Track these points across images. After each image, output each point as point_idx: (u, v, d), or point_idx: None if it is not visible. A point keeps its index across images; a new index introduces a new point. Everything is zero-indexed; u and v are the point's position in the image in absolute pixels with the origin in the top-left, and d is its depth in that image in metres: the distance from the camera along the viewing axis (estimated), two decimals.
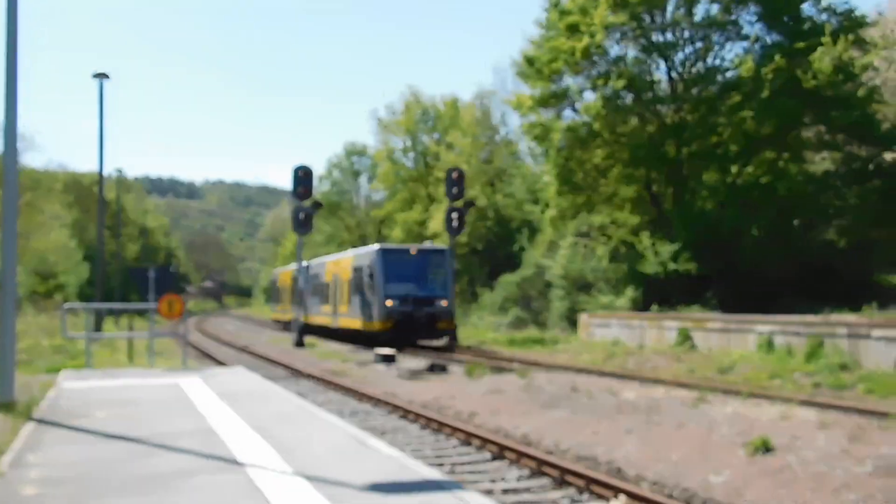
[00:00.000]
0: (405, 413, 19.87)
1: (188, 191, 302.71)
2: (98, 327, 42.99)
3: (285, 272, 66.55)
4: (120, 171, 79.71)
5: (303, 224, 41.07)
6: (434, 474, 10.21)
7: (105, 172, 49.54)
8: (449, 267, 41.06)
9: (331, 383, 26.00)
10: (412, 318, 38.21)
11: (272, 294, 73.48)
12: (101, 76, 41.41)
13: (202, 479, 9.59)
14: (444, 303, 39.27)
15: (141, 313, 35.60)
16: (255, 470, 10.01)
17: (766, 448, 12.70)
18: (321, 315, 51.25)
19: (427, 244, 46.40)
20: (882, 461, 11.25)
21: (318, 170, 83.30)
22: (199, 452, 11.14)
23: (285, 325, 59.31)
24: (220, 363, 33.51)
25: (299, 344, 40.62)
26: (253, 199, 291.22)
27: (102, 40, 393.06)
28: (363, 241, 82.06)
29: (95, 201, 56.07)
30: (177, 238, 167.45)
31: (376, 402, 21.93)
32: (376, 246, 42.47)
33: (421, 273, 40.36)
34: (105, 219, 54.21)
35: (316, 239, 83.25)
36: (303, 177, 40.73)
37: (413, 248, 42.67)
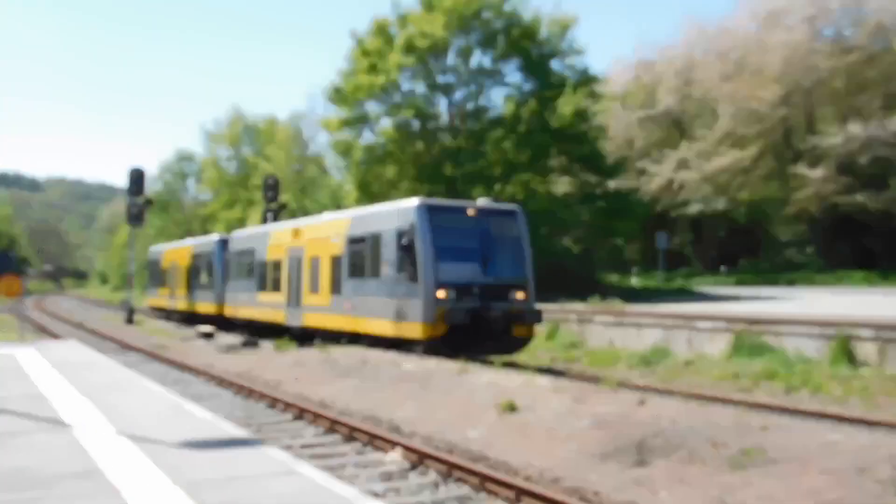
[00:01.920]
0: (220, 381, 19.36)
1: (31, 185, 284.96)
2: None
3: (176, 249, 45.38)
4: None
5: (136, 218, 39.70)
6: (241, 433, 9.97)
7: None
8: (524, 237, 22.16)
9: (156, 356, 25.01)
10: (481, 319, 20.00)
11: (152, 276, 52.37)
12: None
13: (29, 439, 8.99)
14: (521, 295, 21.08)
15: None
16: (80, 430, 9.48)
17: (512, 408, 13.04)
18: (259, 306, 31.05)
19: (483, 201, 23.99)
20: (597, 417, 11.76)
21: (152, 171, 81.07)
22: (27, 415, 10.44)
23: (168, 314, 44.70)
24: (56, 337, 31.65)
25: (129, 321, 38.80)
26: (92, 194, 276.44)
27: None
28: (189, 234, 79.55)
29: None
30: (19, 227, 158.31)
31: (196, 372, 21.26)
32: (413, 201, 21.23)
33: (487, 247, 21.22)
34: None
35: (148, 232, 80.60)
36: (136, 177, 39.61)
37: (471, 207, 22.19)
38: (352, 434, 13.10)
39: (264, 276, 30.74)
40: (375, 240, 22.00)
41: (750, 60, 34.13)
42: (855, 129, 30.76)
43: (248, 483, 7.26)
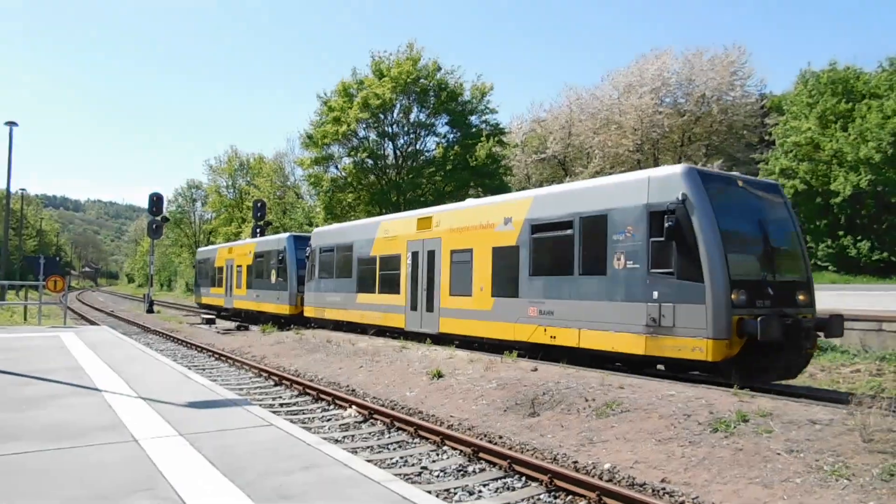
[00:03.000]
0: (219, 356, 18.90)
1: (74, 205, 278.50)
2: (2, 297, 38.54)
3: (233, 248, 34.02)
4: (23, 189, 75.25)
5: (155, 231, 38.33)
6: (232, 395, 9.72)
7: (12, 190, 43.88)
8: (795, 219, 12.66)
9: (169, 337, 24.25)
10: (792, 330, 10.68)
11: (201, 276, 40.06)
12: (12, 123, 36.62)
13: (68, 400, 8.65)
14: (805, 297, 11.79)
15: (34, 288, 31.96)
16: (109, 394, 9.14)
17: (439, 375, 13.03)
18: (361, 308, 21.27)
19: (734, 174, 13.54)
20: (501, 381, 11.82)
21: (169, 195, 79.31)
22: (68, 382, 10.02)
23: (221, 314, 33.70)
24: (92, 323, 30.50)
25: (150, 311, 37.54)
26: (121, 213, 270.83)
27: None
28: (197, 245, 77.78)
29: (3, 210, 49.91)
30: (65, 238, 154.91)
31: (200, 349, 20.72)
32: (675, 167, 11.75)
33: (767, 231, 11.85)
34: (10, 223, 48.43)
35: (164, 242, 78.74)
36: (156, 200, 38.24)
37: (738, 178, 12.37)
38: (319, 396, 12.93)
39: (368, 274, 20.78)
40: (594, 223, 12.67)
41: (613, 119, 34.83)
42: None
43: (236, 433, 7.09)
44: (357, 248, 21.72)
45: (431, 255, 17.92)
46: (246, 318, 30.42)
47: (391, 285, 19.66)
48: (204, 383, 10.53)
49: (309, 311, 24.62)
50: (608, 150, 34.95)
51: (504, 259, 15.04)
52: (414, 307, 18.62)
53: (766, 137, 37.51)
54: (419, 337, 18.04)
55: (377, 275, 20.34)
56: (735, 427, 7.91)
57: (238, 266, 31.81)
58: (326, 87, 63.92)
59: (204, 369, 16.65)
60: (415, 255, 18.69)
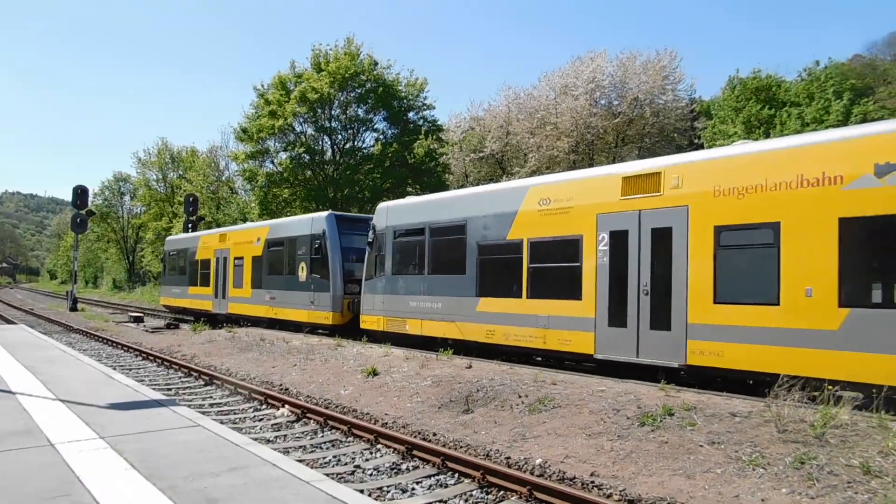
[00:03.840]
0: (146, 356, 18.30)
1: None
2: None
3: (226, 235, 27.15)
4: None
5: (79, 226, 36.72)
6: (158, 396, 9.42)
7: None
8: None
9: (93, 336, 23.29)
10: None
11: (174, 271, 32.52)
12: None
13: None
14: None
15: None
16: (24, 397, 8.72)
17: (374, 373, 12.96)
18: (490, 319, 14.32)
19: None
20: (436, 378, 11.86)
21: (94, 187, 75.72)
22: None
23: (209, 319, 26.92)
24: (9, 321, 29.02)
25: (73, 308, 35.96)
26: (43, 206, 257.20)
27: None
28: (125, 241, 74.90)
29: None
30: None
31: (126, 348, 20.00)
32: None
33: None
34: None
35: (90, 237, 75.46)
36: (80, 193, 36.59)
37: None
38: (251, 395, 12.68)
39: (502, 269, 14.04)
40: None
41: (549, 119, 35.37)
42: None
43: (160, 435, 6.86)
44: (479, 229, 14.83)
45: (667, 237, 11.08)
46: (270, 326, 23.09)
47: (560, 286, 12.89)
48: (129, 384, 10.17)
49: (373, 322, 17.91)
50: (543, 151, 35.45)
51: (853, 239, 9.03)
52: (618, 321, 11.76)
53: (696, 140, 38.80)
54: (612, 368, 12.00)
55: (525, 270, 13.60)
56: (661, 421, 8.16)
57: (237, 258, 25.39)
58: (264, 80, 62.49)
59: (130, 369, 16.09)
60: (618, 238, 11.88)
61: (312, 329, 21.25)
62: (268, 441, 9.50)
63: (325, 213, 20.88)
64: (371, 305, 18.20)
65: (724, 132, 35.37)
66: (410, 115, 38.48)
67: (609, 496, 6.79)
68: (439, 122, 39.52)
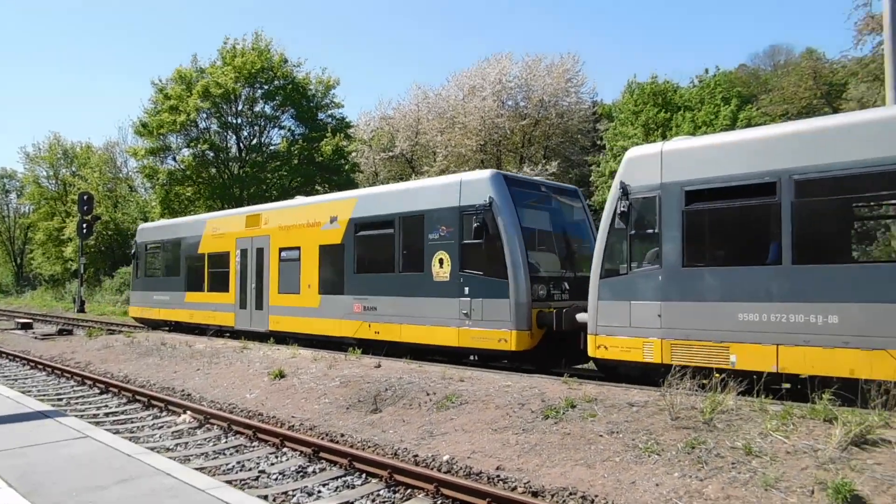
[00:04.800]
0: (35, 365, 17.11)
1: None
2: None
3: (277, 213, 18.33)
4: None
5: None
6: (45, 407, 8.82)
7: None
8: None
9: None
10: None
11: (166, 271, 23.32)
12: None
13: None
14: None
15: None
16: None
17: (281, 375, 12.65)
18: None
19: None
20: (344, 378, 11.70)
21: None
22: None
23: (214, 332, 20.49)
24: None
25: None
26: None
27: None
28: (12, 242, 69.92)
29: None
30: None
31: (11, 357, 18.62)
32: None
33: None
34: None
35: None
36: None
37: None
38: (150, 402, 12.11)
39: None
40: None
41: (458, 119, 35.69)
42: (526, 170, 33.18)
43: (44, 448, 6.41)
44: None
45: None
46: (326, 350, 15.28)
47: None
48: (10, 395, 9.47)
49: (629, 348, 10.35)
50: (452, 150, 35.74)
51: None
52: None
53: (599, 142, 40.19)
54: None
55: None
56: (564, 413, 8.36)
57: (286, 250, 17.56)
58: (162, 74, 59.55)
59: (16, 380, 15.01)
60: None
61: (453, 355, 13.42)
62: (167, 449, 9.07)
63: (486, 173, 12.99)
64: (621, 319, 10.39)
65: (625, 134, 36.78)
66: (320, 114, 37.89)
67: (514, 489, 6.89)
68: (348, 120, 39.14)
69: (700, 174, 9.74)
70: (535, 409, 8.66)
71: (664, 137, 34.89)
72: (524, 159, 35.68)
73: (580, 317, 11.49)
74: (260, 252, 18.52)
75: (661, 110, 35.91)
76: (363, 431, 9.36)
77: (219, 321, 20.02)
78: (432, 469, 7.59)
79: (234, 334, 19.31)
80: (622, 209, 10.35)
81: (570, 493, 6.57)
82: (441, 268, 13.37)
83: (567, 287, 12.88)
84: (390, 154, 39.88)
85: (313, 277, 16.58)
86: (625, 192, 10.42)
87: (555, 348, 12.21)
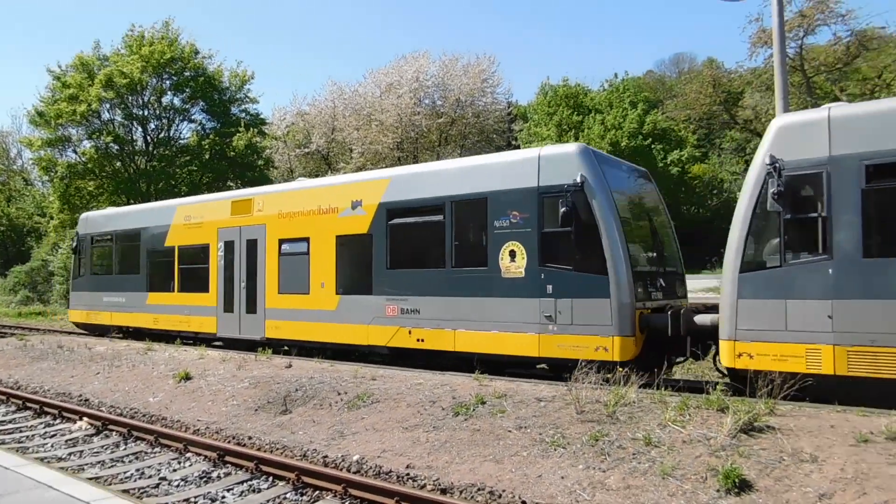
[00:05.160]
0: None
1: None
2: None
3: (278, 198, 15.08)
4: None
5: None
6: None
7: None
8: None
9: None
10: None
11: (120, 265, 19.41)
12: None
13: None
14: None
15: None
16: None
17: (187, 377, 12.17)
18: None
19: None
20: (254, 379, 11.37)
21: None
22: None
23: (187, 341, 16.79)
24: None
25: None
26: None
27: None
28: None
29: None
30: None
31: None
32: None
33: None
34: None
35: None
36: None
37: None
38: (43, 409, 11.38)
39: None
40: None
41: (375, 116, 35.44)
42: None
43: None
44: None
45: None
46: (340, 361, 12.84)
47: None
48: None
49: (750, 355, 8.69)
50: (368, 147, 35.46)
51: None
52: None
53: (514, 142, 40.85)
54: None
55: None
56: (474, 410, 8.41)
57: (289, 242, 14.62)
58: (62, 60, 55.92)
59: None
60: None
61: (527, 366, 11.39)
62: (58, 459, 8.54)
63: (573, 147, 10.88)
64: (773, 321, 8.48)
65: (539, 134, 37.55)
66: (233, 108, 36.73)
67: (423, 487, 6.86)
68: (262, 116, 38.16)
69: (886, 145, 7.89)
70: (446, 406, 8.67)
71: (577, 138, 35.84)
72: (442, 157, 35.83)
73: (700, 319, 9.71)
74: (252, 245, 15.32)
75: (574, 112, 36.89)
76: (272, 433, 9.11)
77: (195, 327, 16.57)
78: (341, 469, 7.47)
79: (224, 344, 15.81)
80: (775, 189, 8.32)
81: (479, 489, 6.60)
82: (513, 261, 10.91)
83: (662, 284, 11.02)
84: (306, 150, 39.17)
85: (328, 274, 13.60)
86: (776, 168, 8.41)
87: (654, 356, 10.16)
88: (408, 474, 7.18)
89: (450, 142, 37.01)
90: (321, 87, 72.77)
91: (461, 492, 6.63)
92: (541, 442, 7.33)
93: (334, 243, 13.55)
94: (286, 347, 14.39)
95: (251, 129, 35.08)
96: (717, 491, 5.93)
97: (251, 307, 15.18)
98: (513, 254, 10.95)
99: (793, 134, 8.61)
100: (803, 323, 8.19)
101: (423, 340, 11.95)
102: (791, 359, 8.23)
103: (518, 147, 37.74)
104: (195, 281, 16.68)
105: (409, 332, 12.15)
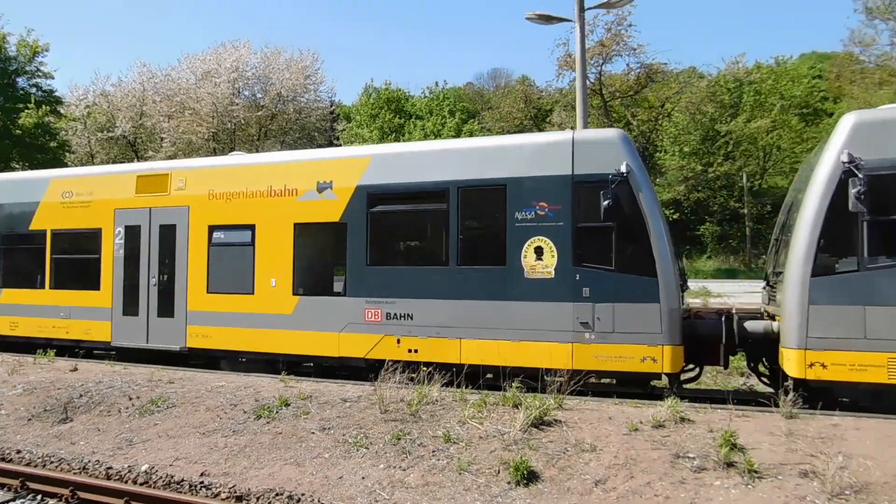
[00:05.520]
0: None
1: None
2: None
3: (225, 172, 12.17)
4: None
5: None
6: None
7: None
8: None
9: None
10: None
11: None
12: None
13: None
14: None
15: None
16: None
17: None
18: None
19: None
20: (29, 385, 10.09)
21: None
22: None
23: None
24: None
25: None
26: None
27: None
28: None
29: None
30: None
31: None
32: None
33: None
34: None
35: None
36: None
37: None
38: None
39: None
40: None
41: (189, 104, 33.22)
42: None
43: None
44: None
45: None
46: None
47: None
48: None
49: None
50: (181, 136, 33.17)
51: None
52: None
53: (336, 141, 40.41)
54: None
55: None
56: (277, 412, 8.11)
57: (224, 230, 11.99)
58: None
59: None
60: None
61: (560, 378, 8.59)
62: None
63: (612, 132, 9.97)
64: (850, 329, 8.06)
65: (361, 136, 37.52)
66: (20, 80, 32.48)
67: (217, 495, 6.47)
68: (57, 94, 34.17)
69: None
70: (248, 409, 8.28)
71: (398, 141, 36.26)
72: (260, 150, 34.44)
73: (752, 326, 9.20)
74: (168, 231, 12.30)
75: (396, 116, 37.33)
76: (47, 445, 8.12)
77: (77, 334, 12.96)
78: (126, 482, 6.83)
79: (119, 355, 12.50)
80: (858, 189, 7.77)
81: (277, 494, 6.36)
82: (539, 259, 9.49)
83: (683, 286, 10.10)
84: (109, 135, 35.71)
85: (282, 271, 11.15)
86: (858, 167, 7.92)
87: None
88: (202, 482, 6.73)
89: (269, 136, 35.72)
90: (129, 68, 66.66)
91: (258, 498, 6.33)
92: (344, 443, 7.24)
93: (291, 233, 11.15)
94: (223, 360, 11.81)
95: (43, 106, 31.25)
96: (508, 483, 6.22)
97: (166, 309, 12.16)
98: (539, 251, 9.53)
99: (870, 132, 8.17)
100: (885, 331, 7.82)
101: (416, 351, 10.04)
102: (871, 368, 7.87)
103: (341, 146, 37.37)
104: (78, 275, 13.15)
105: (398, 342, 10.17)
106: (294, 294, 11.03)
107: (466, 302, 9.82)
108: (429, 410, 7.78)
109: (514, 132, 36.06)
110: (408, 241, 11.13)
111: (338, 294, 10.87)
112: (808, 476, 5.90)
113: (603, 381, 9.76)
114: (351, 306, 10.52)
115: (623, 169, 9.01)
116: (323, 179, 11.01)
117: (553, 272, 9.40)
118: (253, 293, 11.35)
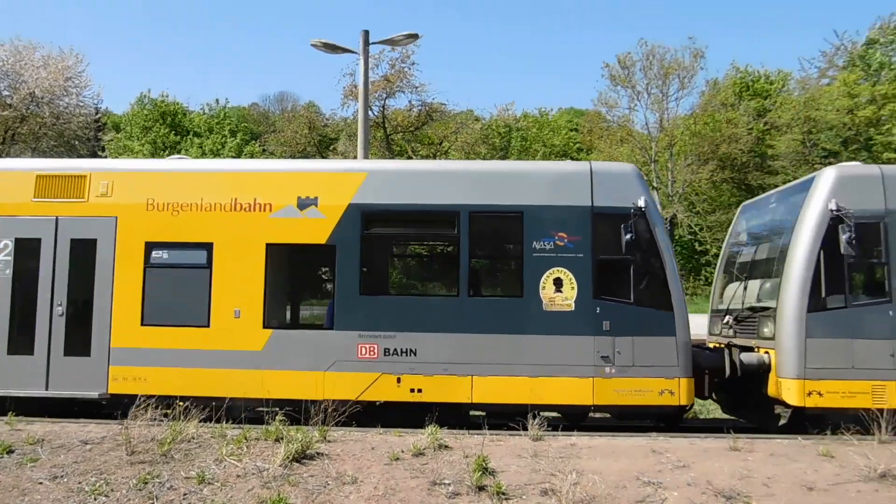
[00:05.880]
0: None
1: None
2: None
3: (173, 178, 9.72)
4: None
5: None
6: None
7: None
8: None
9: None
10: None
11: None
12: None
13: None
14: None
15: None
16: None
17: None
18: None
19: None
20: None
21: None
22: None
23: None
24: None
25: None
26: None
27: None
28: None
29: None
30: None
31: None
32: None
33: None
34: None
35: None
36: None
37: None
38: None
39: None
40: None
41: None
42: None
43: None
44: None
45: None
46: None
47: None
48: None
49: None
50: None
51: None
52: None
53: (100, 153, 36.67)
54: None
55: None
56: None
57: (166, 248, 9.64)
58: None
59: None
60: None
61: (574, 417, 9.64)
62: None
63: (627, 166, 10.17)
64: (840, 360, 8.97)
65: (130, 148, 34.53)
66: None
67: None
68: None
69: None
70: None
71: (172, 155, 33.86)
72: (11, 155, 29.99)
73: (747, 358, 9.48)
74: (84, 247, 9.70)
75: (172, 131, 34.91)
76: None
77: None
78: None
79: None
80: (849, 235, 8.81)
81: None
82: (558, 291, 9.19)
83: None
84: None
85: (249, 299, 9.36)
86: (844, 214, 8.95)
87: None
88: None
89: (18, 141, 31.28)
90: None
91: None
92: (78, 492, 6.41)
93: (263, 255, 9.45)
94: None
95: None
96: None
97: (77, 346, 9.57)
98: (558, 282, 9.25)
99: (853, 184, 9.24)
100: (868, 361, 8.83)
101: (420, 391, 9.16)
102: (858, 395, 8.75)
103: (106, 158, 33.92)
104: None
105: (398, 381, 9.18)
106: (266, 327, 9.37)
107: (479, 336, 9.22)
108: (183, 449, 7.19)
109: (299, 157, 35.57)
110: (410, 268, 10.35)
111: (322, 327, 9.52)
112: (548, 494, 6.42)
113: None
114: (340, 341, 9.27)
115: (641, 204, 9.22)
116: (305, 195, 9.54)
117: (573, 305, 9.22)
118: (208, 325, 9.41)
